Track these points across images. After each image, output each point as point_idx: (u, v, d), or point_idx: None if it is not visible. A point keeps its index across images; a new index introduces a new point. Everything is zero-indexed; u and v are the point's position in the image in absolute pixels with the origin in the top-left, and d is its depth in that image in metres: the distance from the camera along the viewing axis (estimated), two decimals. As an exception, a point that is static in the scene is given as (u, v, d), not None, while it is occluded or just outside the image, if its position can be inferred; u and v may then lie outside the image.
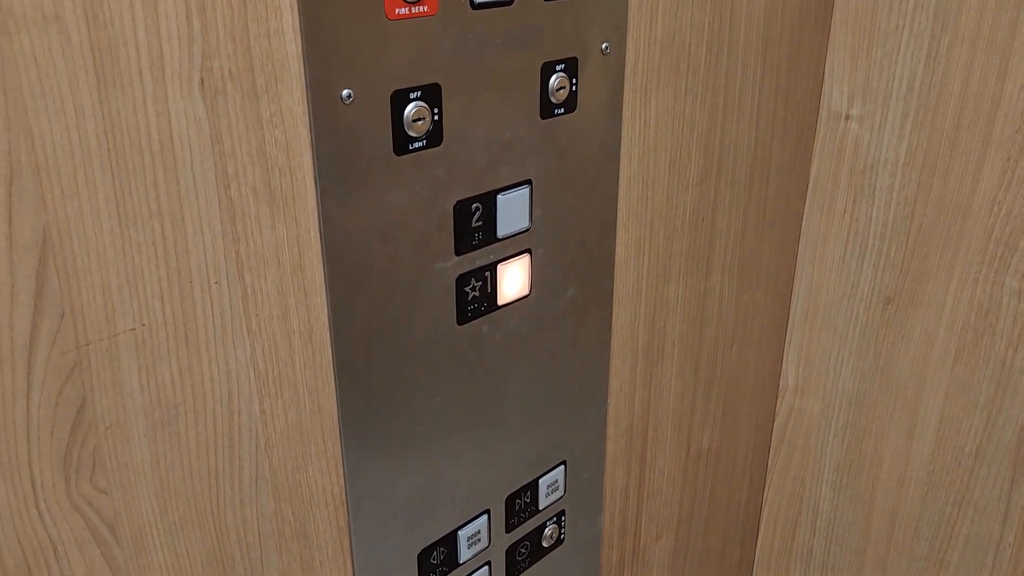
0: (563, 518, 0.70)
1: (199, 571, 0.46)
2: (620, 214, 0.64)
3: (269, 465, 0.48)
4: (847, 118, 0.80)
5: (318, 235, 0.45)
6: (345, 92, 0.44)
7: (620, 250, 0.65)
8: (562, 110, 0.55)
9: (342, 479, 0.52)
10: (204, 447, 0.44)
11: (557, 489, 0.68)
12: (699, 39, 0.64)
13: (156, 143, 0.38)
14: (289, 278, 0.45)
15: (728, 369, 0.83)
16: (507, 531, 0.65)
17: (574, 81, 0.55)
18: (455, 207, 0.52)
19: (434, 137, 0.49)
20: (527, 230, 0.57)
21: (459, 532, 0.61)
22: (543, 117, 0.55)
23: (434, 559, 0.60)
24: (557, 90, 0.54)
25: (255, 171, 0.42)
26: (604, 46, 0.57)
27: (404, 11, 0.45)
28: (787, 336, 0.91)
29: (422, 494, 0.57)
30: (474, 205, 0.53)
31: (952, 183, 0.75)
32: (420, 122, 0.47)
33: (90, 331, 0.38)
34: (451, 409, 0.57)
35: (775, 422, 0.95)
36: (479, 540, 0.63)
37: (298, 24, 0.41)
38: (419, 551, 0.59)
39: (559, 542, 0.70)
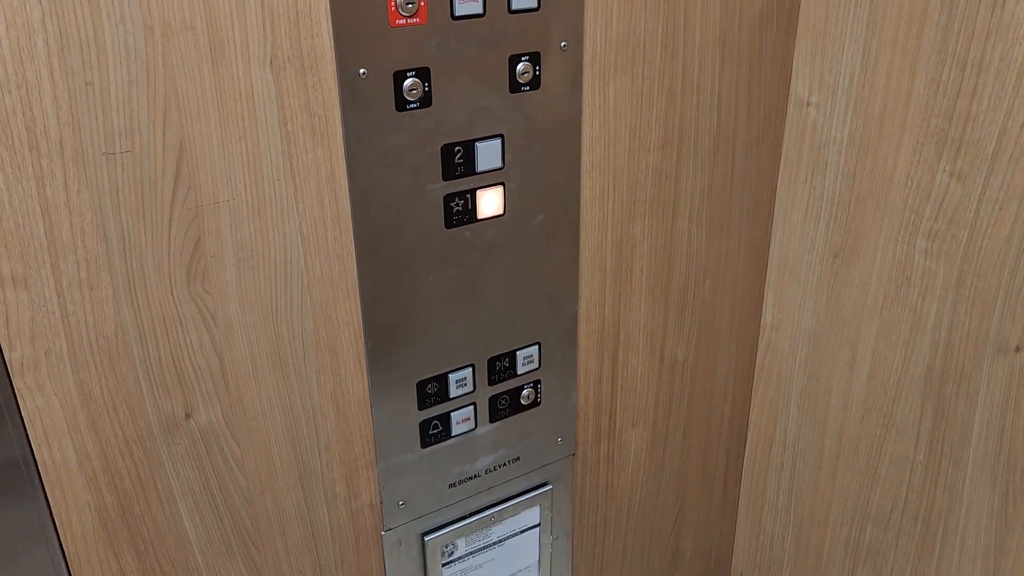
0: (539, 386, 0.96)
1: (264, 358, 0.77)
2: (584, 165, 0.88)
3: (310, 299, 0.78)
4: (808, 104, 0.99)
5: (343, 159, 0.74)
6: (361, 71, 0.72)
7: (585, 192, 0.90)
8: (528, 88, 0.81)
9: (360, 320, 0.81)
10: (269, 279, 0.75)
11: (532, 362, 0.94)
12: (653, 40, 0.87)
13: (245, 98, 0.68)
14: (324, 184, 0.74)
15: (701, 299, 1.05)
16: (490, 384, 0.93)
17: (537, 68, 0.81)
18: (442, 148, 0.79)
19: (425, 101, 0.76)
20: (501, 168, 0.83)
21: (450, 375, 0.89)
22: (512, 92, 0.81)
23: (429, 389, 0.88)
24: (522, 74, 0.80)
25: (302, 116, 0.71)
26: (563, 44, 0.82)
27: (402, 21, 0.73)
28: (765, 282, 1.11)
29: (420, 341, 0.86)
30: (456, 148, 0.80)
31: (880, 160, 0.94)
32: (415, 91, 0.75)
33: (204, 198, 0.69)
34: (441, 286, 0.85)
35: (757, 354, 1.15)
36: (465, 384, 0.91)
37: (330, 30, 0.70)
38: (417, 381, 0.87)
39: (535, 403, 0.97)
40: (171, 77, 0.65)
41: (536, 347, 0.94)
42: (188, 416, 0.76)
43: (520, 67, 0.80)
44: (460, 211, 0.83)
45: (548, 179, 0.87)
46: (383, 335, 0.83)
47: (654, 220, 0.97)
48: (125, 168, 0.65)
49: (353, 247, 0.78)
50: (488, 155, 0.82)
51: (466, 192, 0.82)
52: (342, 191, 0.76)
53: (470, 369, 0.90)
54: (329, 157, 0.74)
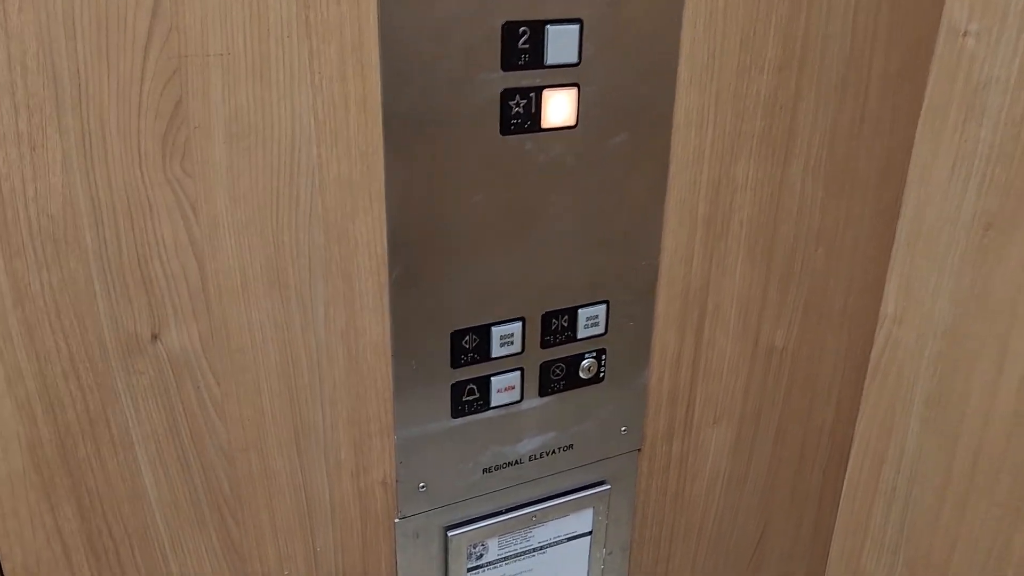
0: (603, 357, 0.78)
1: (258, 271, 0.61)
2: (681, 77, 0.70)
3: (322, 203, 0.61)
4: (965, 34, 0.79)
5: (375, 21, 0.58)
6: (406, -96, 0.56)
7: (680, 114, 0.72)
8: (618, -39, 0.64)
9: (384, 240, 0.64)
10: (269, 168, 0.58)
11: (597, 325, 0.76)
12: (780, -77, 0.69)
13: (250, -86, 0.52)
14: (349, 51, 0.58)
15: (810, 271, 0.85)
16: (543, 346, 0.74)
17: (632, -63, 0.64)
18: (504, 26, 0.62)
19: (486, -41, 0.60)
20: (575, 64, 0.65)
21: (493, 328, 0.71)
22: (597, -36, 0.63)
23: (466, 343, 0.71)
24: (613, -59, 0.63)
25: (326, -46, 0.55)
26: (666, -90, 0.64)
27: None
28: (890, 262, 0.90)
29: (459, 280, 0.68)
30: (522, 28, 0.63)
31: (1061, 99, 0.73)
32: (473, -57, 0.58)
33: (190, 46, 0.53)
34: (490, 212, 0.67)
35: (872, 351, 0.95)
36: (512, 343, 0.73)
37: None
38: (452, 330, 0.70)
39: (597, 379, 0.78)
40: None
41: (603, 307, 0.76)
42: (155, 337, 0.59)
43: (610, -69, 0.63)
44: (521, 114, 0.65)
45: (634, 89, 0.69)
46: (412, 264, 0.66)
47: (761, 162, 0.78)
48: (85, -12, 0.50)
49: (381, 142, 0.61)
50: (561, 44, 0.64)
51: (530, 90, 0.65)
52: (371, 64, 0.59)
53: (519, 324, 0.72)
54: (358, 15, 0.57)
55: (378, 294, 0.66)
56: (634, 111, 0.69)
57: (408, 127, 0.62)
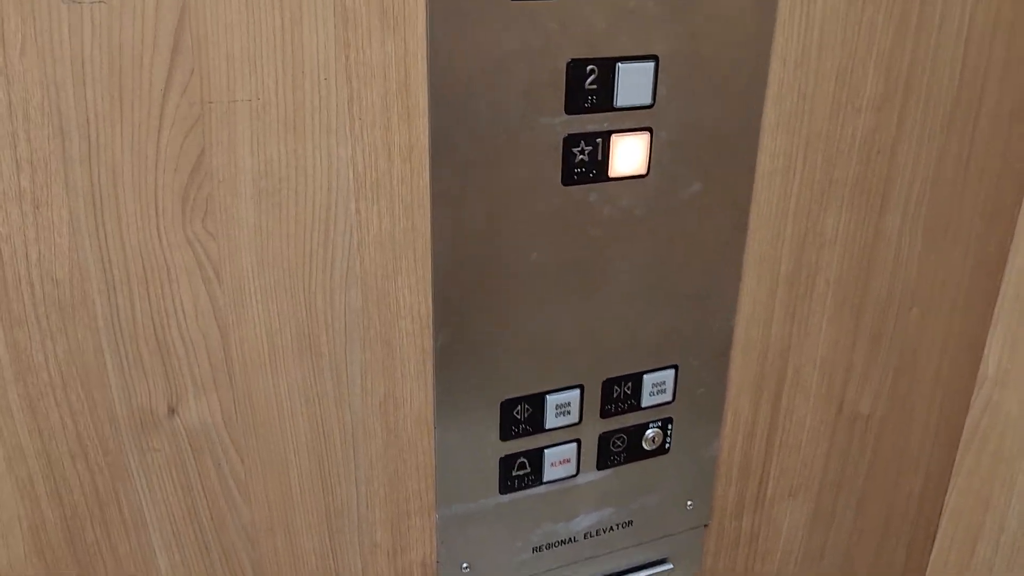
0: (670, 426, 0.70)
1: (288, 339, 0.54)
2: (766, 120, 0.62)
3: (360, 263, 0.54)
4: (1092, 68, 0.70)
5: (425, 61, 0.51)
6: (462, -71, 0.49)
7: (764, 159, 0.64)
8: (700, -9, 0.56)
9: (429, 301, 0.57)
10: (302, 225, 0.52)
11: (664, 392, 0.68)
12: (886, -55, 0.60)
13: (283, -57, 0.46)
14: (394, 95, 0.51)
15: (903, 333, 0.76)
16: (602, 415, 0.67)
17: (717, -37, 0.56)
18: (568, 65, 0.55)
19: (551, -10, 0.52)
20: (649, 107, 0.58)
21: (548, 396, 0.64)
22: (678, -6, 0.56)
23: (518, 414, 0.63)
24: (695, -31, 0.55)
25: (370, -14, 0.48)
26: (757, -68, 0.56)
27: None
28: (993, 319, 0.81)
29: (511, 345, 0.61)
30: (589, 67, 0.55)
31: None
32: (537, -28, 0.51)
33: (214, 91, 0.47)
34: (548, 269, 0.60)
35: (968, 415, 0.85)
36: (568, 412, 0.65)
37: None
38: (503, 400, 0.62)
39: (662, 450, 0.70)
40: None
41: (671, 371, 0.68)
42: (172, 411, 0.53)
43: (693, -42, 0.55)
44: (586, 162, 0.58)
45: (714, 133, 0.61)
46: (460, 328, 0.59)
47: (854, 212, 0.69)
48: (97, 26, 0.44)
49: (428, 195, 0.54)
50: (634, 84, 0.57)
51: (597, 135, 0.57)
52: (418, 110, 0.52)
53: (577, 392, 0.65)
54: (404, 55, 0.50)
55: (421, 361, 0.59)
56: (712, 158, 0.61)
57: (458, 178, 0.55)
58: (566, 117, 0.56)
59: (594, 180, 0.58)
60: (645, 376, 0.67)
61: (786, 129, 0.63)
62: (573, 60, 0.54)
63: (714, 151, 0.61)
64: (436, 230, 0.55)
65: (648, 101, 0.58)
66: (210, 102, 0.47)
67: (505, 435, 0.64)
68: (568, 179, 0.58)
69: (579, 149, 0.57)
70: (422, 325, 0.58)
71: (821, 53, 0.62)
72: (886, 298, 0.74)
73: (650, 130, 0.59)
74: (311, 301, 0.54)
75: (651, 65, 0.57)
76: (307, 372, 0.56)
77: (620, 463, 0.69)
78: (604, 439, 0.68)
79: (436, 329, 0.58)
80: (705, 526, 0.76)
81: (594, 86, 0.56)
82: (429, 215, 0.55)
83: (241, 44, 0.47)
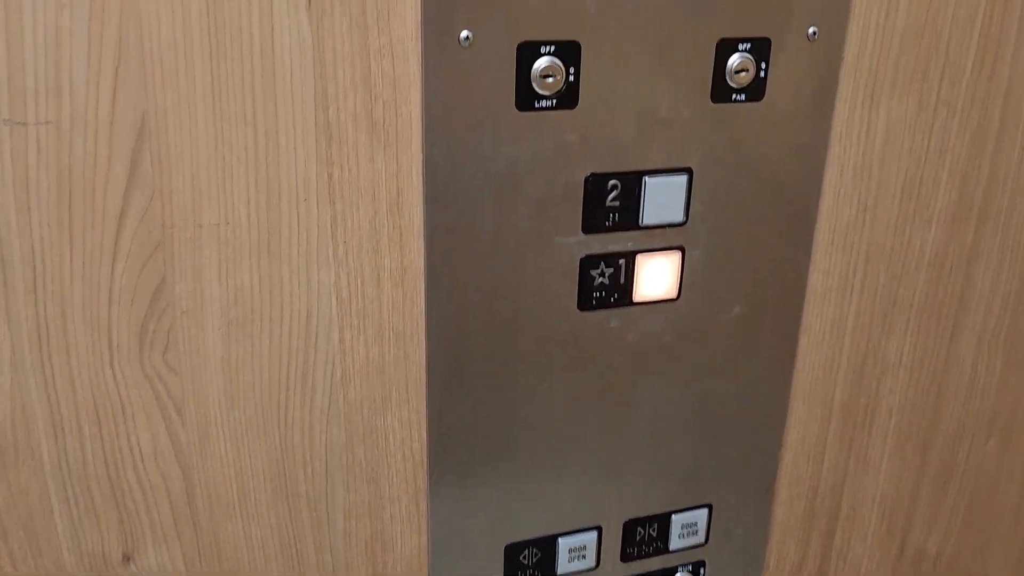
0: (702, 570, 0.61)
1: (260, 480, 0.48)
2: (820, 235, 0.54)
3: (344, 397, 0.48)
4: None
5: (420, 178, 0.45)
6: (463, 34, 0.43)
7: (817, 278, 0.56)
8: (742, 96, 0.49)
9: (424, 437, 0.51)
10: (277, 358, 0.46)
11: (696, 534, 0.60)
12: (965, 39, 0.52)
13: (258, 52, 0.40)
14: (384, 215, 0.45)
15: (977, 466, 0.67)
16: (623, 559, 0.59)
17: (763, 66, 0.49)
18: (587, 179, 0.48)
19: (567, 98, 0.46)
20: (681, 224, 0.51)
21: (560, 539, 0.57)
22: (715, 100, 0.49)
23: (525, 559, 0.56)
24: (736, 72, 0.48)
25: (357, 98, 0.42)
26: (811, 30, 0.49)
27: (541, -42, 0.43)
28: (1084, 450, 0.71)
29: (518, 482, 0.54)
30: (612, 182, 0.48)
31: None
32: (550, 79, 0.45)
33: (176, 216, 0.42)
34: (562, 399, 0.53)
35: (1053, 557, 0.74)
36: (584, 557, 0.58)
37: (417, -42, 0.41)
38: (508, 543, 0.55)
39: (694, 596, 0.62)
40: (131, 2, 0.38)
41: (704, 511, 0.60)
42: (127, 558, 0.47)
43: (734, 61, 0.48)
44: (606, 285, 0.51)
45: (757, 251, 0.53)
46: (459, 465, 0.52)
47: (922, 335, 0.60)
48: (44, 149, 0.39)
49: (423, 322, 0.48)
50: (663, 199, 0.50)
51: (619, 256, 0.50)
52: (412, 230, 0.46)
53: (594, 534, 0.57)
54: (396, 172, 0.45)
55: (414, 500, 0.52)
56: (755, 278, 0.54)
57: (458, 304, 0.48)
58: (583, 236, 0.49)
59: (616, 305, 0.51)
60: (674, 516, 0.59)
61: (842, 245, 0.55)
62: (593, 175, 0.48)
63: (757, 270, 0.54)
64: (432, 359, 0.49)
65: (680, 218, 0.51)
66: (172, 227, 0.42)
67: (511, 580, 0.57)
68: (585, 304, 0.51)
69: (598, 271, 0.50)
70: (415, 462, 0.51)
71: (884, 161, 0.54)
72: (958, 429, 0.65)
73: (682, 249, 0.51)
74: (287, 438, 0.48)
75: (683, 179, 0.50)
76: (282, 515, 0.50)
77: (644, 610, 0.61)
78: (626, 585, 0.60)
79: (431, 466, 0.51)
80: (743, 677, 0.67)
81: (616, 202, 0.49)
82: (424, 343, 0.49)
83: (208, 163, 0.41)
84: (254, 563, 0.50)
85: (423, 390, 0.50)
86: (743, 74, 0.48)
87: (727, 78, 0.48)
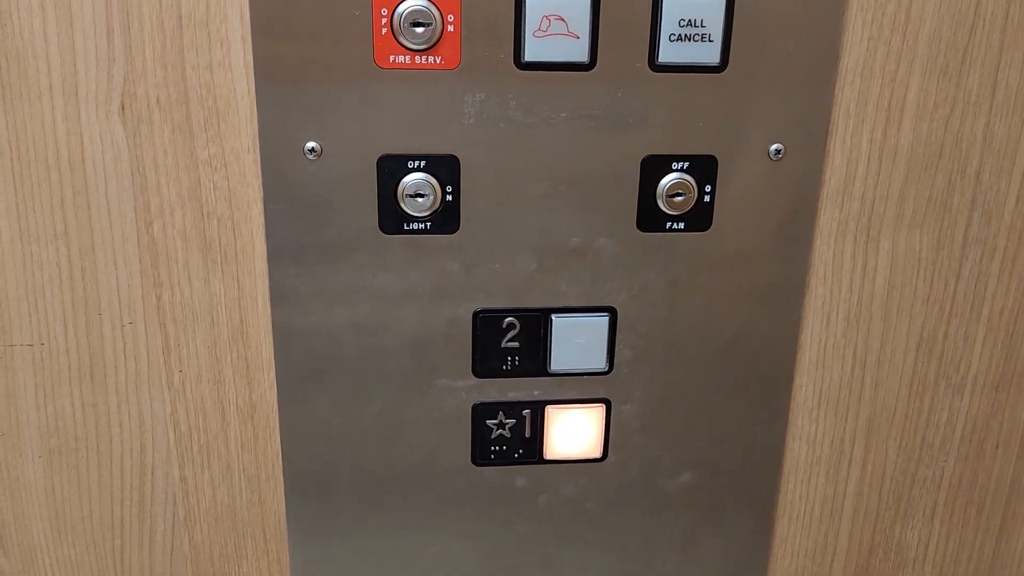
0: None
1: (99, 619, 0.43)
2: (802, 395, 0.43)
3: (189, 540, 0.42)
4: None
5: (267, 305, 0.39)
6: (309, 145, 0.36)
7: (799, 447, 0.44)
8: (680, 225, 0.39)
9: (288, 591, 0.44)
10: (108, 492, 0.41)
11: None
12: (1005, 159, 0.40)
13: (65, 162, 0.36)
14: (226, 343, 0.39)
15: None
16: None
17: (707, 188, 0.39)
18: (476, 316, 0.40)
19: (444, 220, 0.38)
20: (604, 373, 0.41)
21: None
22: (644, 228, 0.39)
23: None
24: (671, 196, 0.38)
25: (185, 214, 0.37)
26: (773, 148, 0.38)
27: (404, 59, 0.36)
28: None
29: (407, 653, 0.46)
30: (508, 320, 0.40)
31: None
32: (422, 199, 0.37)
33: (-17, 335, 0.38)
34: (461, 566, 0.44)
35: None
36: None
37: (251, 60, 0.35)
38: None
39: None
40: (-79, 107, 0.35)
41: None
42: None
43: (667, 182, 0.38)
44: (507, 439, 0.42)
45: (710, 410, 0.43)
46: (334, 627, 0.45)
47: (957, 525, 0.47)
48: None
49: (279, 464, 0.42)
50: (578, 343, 0.41)
51: (522, 405, 0.42)
52: (261, 364, 0.40)
53: None
54: (239, 297, 0.39)
55: (283, 662, 0.45)
56: (709, 442, 0.43)
57: (321, 447, 0.41)
58: (475, 380, 0.41)
59: (521, 461, 0.43)
60: None
61: (833, 409, 0.44)
62: (483, 311, 0.40)
63: (711, 432, 0.43)
64: (293, 507, 0.42)
65: (602, 366, 0.41)
66: (-21, 346, 0.38)
67: None
68: (483, 458, 0.42)
69: (495, 422, 0.42)
70: (281, 620, 0.45)
71: (889, 311, 0.42)
72: (1013, 646, 0.50)
73: (606, 402, 0.42)
74: (125, 580, 0.43)
75: (603, 319, 0.40)
76: (124, 661, 0.44)
77: None
78: None
79: (300, 625, 0.45)
80: None
81: (514, 343, 0.40)
82: (282, 489, 0.42)
83: (16, 281, 0.37)
84: None
85: (284, 543, 0.43)
86: (679, 198, 0.38)
87: (659, 202, 0.39)
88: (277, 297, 0.38)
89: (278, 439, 0.41)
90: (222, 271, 0.38)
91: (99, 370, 0.39)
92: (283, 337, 0.39)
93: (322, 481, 0.42)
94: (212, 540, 0.42)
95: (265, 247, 0.38)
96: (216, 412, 0.40)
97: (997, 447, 0.45)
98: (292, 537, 0.43)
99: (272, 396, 0.40)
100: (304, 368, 0.40)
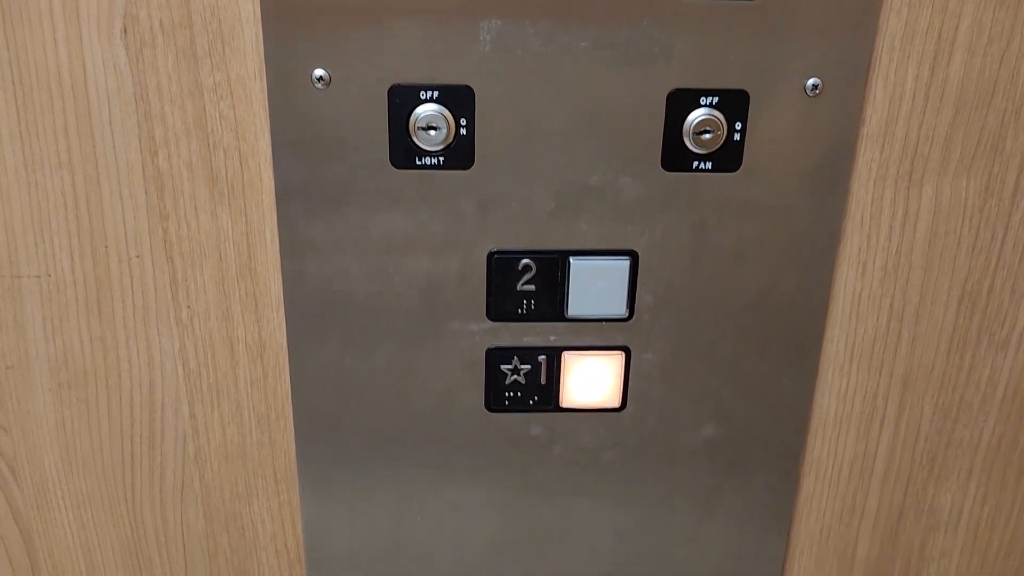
0: None
1: (110, 553, 0.43)
2: (832, 348, 0.41)
3: (200, 478, 0.42)
4: None
5: (275, 241, 0.38)
6: (317, 73, 0.35)
7: (828, 402, 0.42)
8: (708, 164, 0.37)
9: (299, 534, 0.44)
10: (119, 427, 0.41)
11: None
12: (1064, 104, 0.37)
13: (68, 88, 0.35)
14: (234, 279, 0.38)
15: (1081, 666, 0.50)
16: None
17: (737, 127, 0.36)
18: (491, 257, 0.38)
19: (458, 156, 0.36)
20: (624, 320, 0.40)
21: (475, 669, 0.47)
22: (669, 168, 0.37)
23: None
24: (699, 134, 0.36)
25: (191, 144, 0.36)
26: (811, 83, 0.36)
27: (415, -19, 0.34)
28: None
29: (418, 598, 0.45)
30: (523, 262, 0.38)
31: None
32: (435, 132, 0.36)
33: (-10, 265, 0.37)
34: (472, 510, 0.44)
35: None
36: None
37: (255, -24, 0.34)
38: (408, 663, 0.47)
39: None
40: (-79, 28, 0.34)
41: (668, 664, 0.48)
42: (-29, 615, 0.44)
43: (695, 118, 0.36)
44: (522, 385, 0.41)
45: (736, 361, 0.41)
46: (345, 563, 0.45)
47: (990, 487, 0.45)
48: None
49: (290, 404, 0.41)
50: (597, 288, 0.39)
51: (537, 351, 0.40)
52: (270, 301, 0.39)
53: (519, 669, 0.48)
54: (247, 232, 0.38)
55: (293, 601, 0.45)
56: (734, 395, 0.42)
57: (331, 388, 0.40)
58: (489, 324, 0.40)
59: (536, 409, 0.41)
60: (626, 664, 0.48)
61: (867, 363, 0.42)
62: (498, 252, 0.38)
63: (737, 384, 0.41)
64: (303, 448, 0.42)
65: (621, 312, 0.39)
66: (-14, 276, 0.37)
67: None
68: (496, 404, 0.41)
69: (510, 367, 0.40)
70: (291, 559, 0.44)
71: (931, 261, 0.39)
72: (1049, 616, 0.48)
73: (626, 350, 0.40)
74: (137, 516, 0.43)
75: (624, 263, 0.39)
76: (137, 595, 0.44)
77: None
78: None
79: (311, 567, 0.44)
80: None
81: (530, 287, 0.39)
82: (292, 430, 0.41)
83: (22, 211, 0.36)
84: (108, 640, 0.45)
85: (295, 483, 0.42)
86: (707, 136, 0.36)
87: (686, 140, 0.36)
88: (286, 233, 0.37)
89: (288, 379, 0.40)
90: (229, 205, 0.37)
91: (107, 304, 0.38)
92: (292, 275, 0.38)
93: (333, 423, 0.41)
94: (223, 479, 0.42)
95: (273, 180, 0.36)
96: (225, 350, 0.39)
97: (1042, 409, 0.43)
98: (303, 478, 0.42)
99: (281, 335, 0.39)
100: (314, 307, 0.39)
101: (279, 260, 0.38)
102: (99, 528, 0.43)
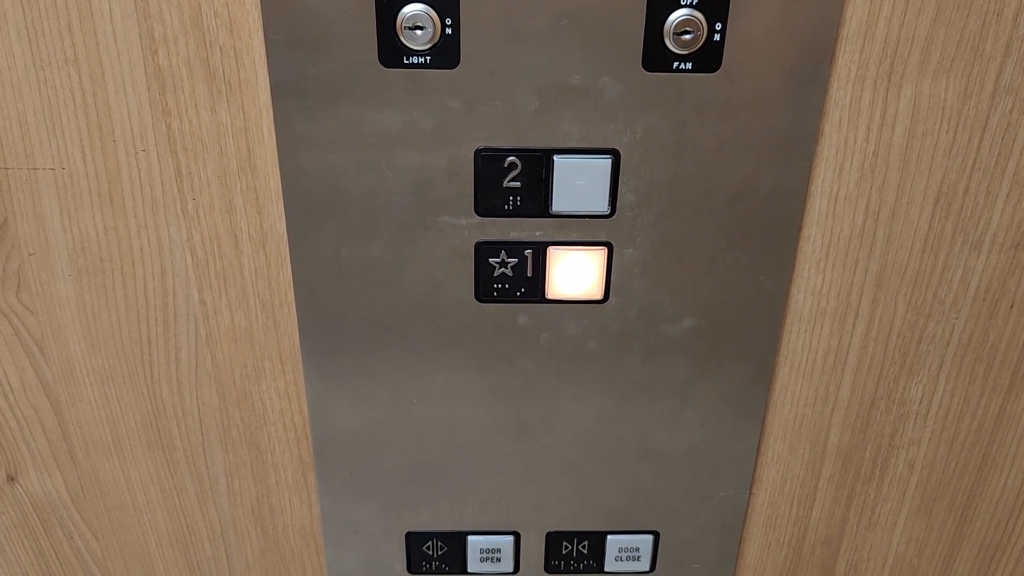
0: (646, 600, 0.54)
1: (132, 426, 0.47)
2: (808, 246, 0.43)
3: (212, 359, 0.45)
4: None
5: (272, 136, 0.40)
6: (307, -28, 0.36)
7: (803, 298, 0.44)
8: (688, 65, 0.38)
9: (304, 409, 0.47)
10: (135, 311, 0.44)
11: (638, 559, 0.52)
12: (1048, 4, 0.37)
13: (71, -11, 0.36)
14: (235, 173, 0.40)
15: (1040, 548, 0.53)
16: (547, 570, 0.53)
17: (717, 27, 0.37)
18: (477, 154, 0.40)
19: (444, 55, 0.38)
20: (606, 216, 0.41)
21: (469, 537, 0.52)
22: (649, 68, 0.38)
23: (429, 550, 0.52)
24: (679, 34, 0.37)
25: (188, 42, 0.37)
26: (792, -19, 0.36)
27: None
28: None
29: (414, 476, 0.49)
30: (509, 159, 0.40)
31: None
32: (420, 31, 0.37)
33: (9, 158, 0.40)
34: (463, 394, 0.47)
35: None
36: (498, 560, 0.52)
37: None
38: (408, 530, 0.51)
39: (633, 623, 0.55)
40: (-71, -72, 0.35)
41: (649, 537, 0.52)
42: (11, 479, 0.49)
43: (676, 18, 0.37)
44: (509, 277, 0.43)
45: (714, 256, 0.43)
46: (348, 445, 0.48)
47: (963, 382, 0.47)
48: None
49: (291, 291, 0.44)
50: (580, 185, 0.41)
51: (523, 245, 0.42)
52: (269, 194, 0.41)
53: (510, 539, 0.52)
54: (245, 128, 0.39)
55: (300, 472, 0.49)
56: (712, 288, 0.44)
57: (330, 277, 0.43)
58: (478, 219, 0.42)
59: (523, 299, 0.44)
60: (610, 537, 0.52)
61: (841, 261, 0.43)
62: (485, 149, 0.40)
63: (715, 279, 0.43)
64: (306, 333, 0.45)
65: (604, 209, 0.41)
66: (6, 168, 0.40)
67: (415, 568, 0.53)
68: (485, 295, 0.44)
69: (498, 260, 0.43)
70: (298, 434, 0.48)
71: (908, 162, 0.40)
72: (998, 492, 0.51)
73: (608, 245, 0.42)
74: (156, 392, 0.46)
75: (606, 162, 0.40)
76: (160, 464, 0.49)
77: (573, 625, 0.55)
78: (549, 596, 0.54)
79: (316, 439, 0.48)
80: None
81: (516, 183, 0.41)
82: (295, 315, 0.44)
83: (34, 106, 0.39)
84: (136, 503, 0.50)
85: (299, 364, 0.46)
86: (687, 36, 0.37)
87: (666, 40, 0.37)
88: (282, 129, 0.39)
89: (289, 268, 0.43)
90: (227, 101, 0.39)
91: (117, 195, 0.41)
92: (290, 169, 0.40)
93: (332, 310, 0.44)
94: (233, 359, 0.45)
95: (268, 78, 0.38)
96: (229, 239, 0.42)
97: (1012, 306, 0.44)
98: (306, 360, 0.45)
99: (282, 226, 0.42)
100: (311, 201, 0.41)
101: (276, 155, 0.40)
102: (122, 403, 0.47)
